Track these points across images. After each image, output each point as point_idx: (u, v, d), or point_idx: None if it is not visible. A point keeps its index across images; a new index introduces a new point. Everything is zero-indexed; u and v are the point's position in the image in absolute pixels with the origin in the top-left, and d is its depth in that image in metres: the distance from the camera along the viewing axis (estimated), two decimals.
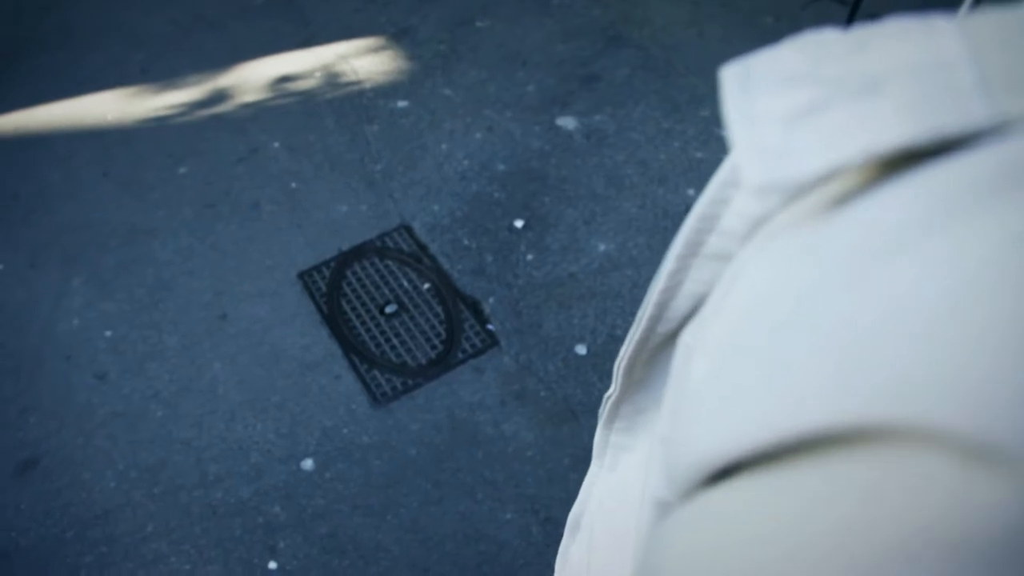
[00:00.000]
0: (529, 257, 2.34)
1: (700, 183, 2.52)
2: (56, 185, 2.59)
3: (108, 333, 2.22)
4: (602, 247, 2.36)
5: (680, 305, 0.38)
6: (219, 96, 2.86)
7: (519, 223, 2.42)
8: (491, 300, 2.25)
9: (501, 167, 2.58)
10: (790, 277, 0.25)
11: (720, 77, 0.28)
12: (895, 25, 0.27)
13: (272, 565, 1.82)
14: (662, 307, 0.39)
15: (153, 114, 2.80)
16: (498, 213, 2.45)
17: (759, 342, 0.25)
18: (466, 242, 2.38)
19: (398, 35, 3.07)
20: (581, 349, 2.13)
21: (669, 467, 0.32)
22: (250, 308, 2.25)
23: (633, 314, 2.20)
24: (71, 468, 1.98)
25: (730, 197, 0.33)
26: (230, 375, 2.12)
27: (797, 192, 0.25)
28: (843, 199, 0.25)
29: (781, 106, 0.26)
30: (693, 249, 0.35)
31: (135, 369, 2.14)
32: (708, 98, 2.80)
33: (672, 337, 0.41)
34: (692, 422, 0.29)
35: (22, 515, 1.91)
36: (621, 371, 0.47)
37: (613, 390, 0.50)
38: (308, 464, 1.96)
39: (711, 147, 2.64)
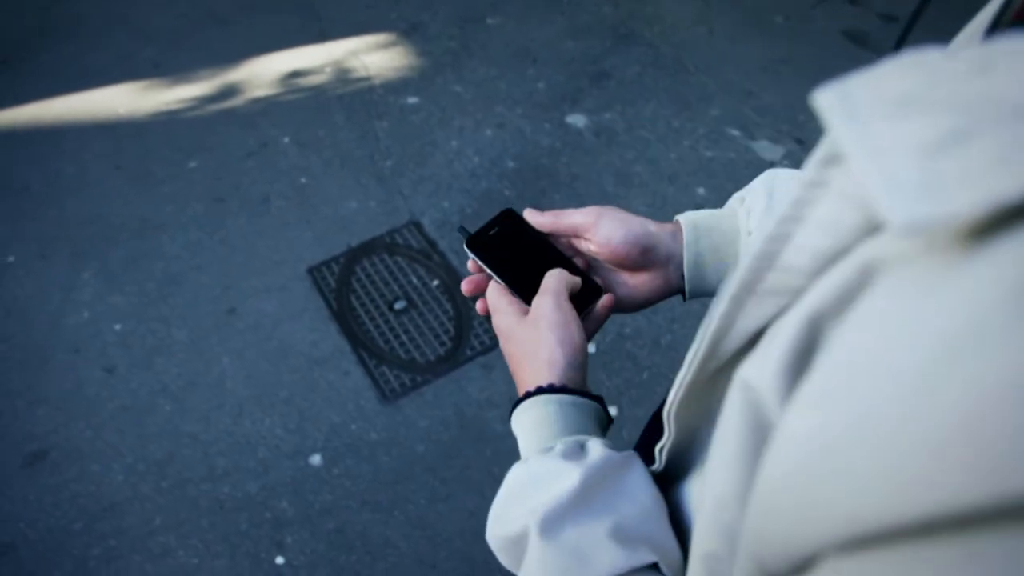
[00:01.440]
0: None
1: (710, 182, 2.52)
2: (67, 178, 2.59)
3: (117, 326, 2.22)
4: None
5: (732, 342, 0.37)
6: (229, 91, 2.86)
7: None
8: None
9: (511, 164, 2.58)
10: (917, 337, 0.23)
11: (815, 104, 0.26)
12: (1010, 45, 0.25)
13: (279, 560, 1.81)
14: (715, 345, 0.38)
15: (164, 108, 2.80)
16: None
17: (882, 412, 0.23)
18: None
19: (409, 31, 3.06)
20: (590, 347, 2.12)
21: (762, 541, 0.31)
22: (259, 303, 2.25)
23: (642, 312, 2.19)
24: (79, 461, 1.98)
25: (792, 232, 0.31)
26: (238, 370, 2.12)
27: (948, 230, 0.22)
28: (969, 237, 0.22)
29: (913, 134, 0.23)
30: (750, 287, 0.34)
31: (143, 363, 2.15)
32: (718, 96, 2.79)
33: (718, 373, 0.40)
34: (803, 494, 0.27)
35: (30, 507, 1.91)
36: (672, 416, 0.47)
37: (666, 438, 0.50)
38: (316, 459, 1.96)
39: (721, 146, 2.63)
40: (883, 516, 0.23)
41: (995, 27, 0.43)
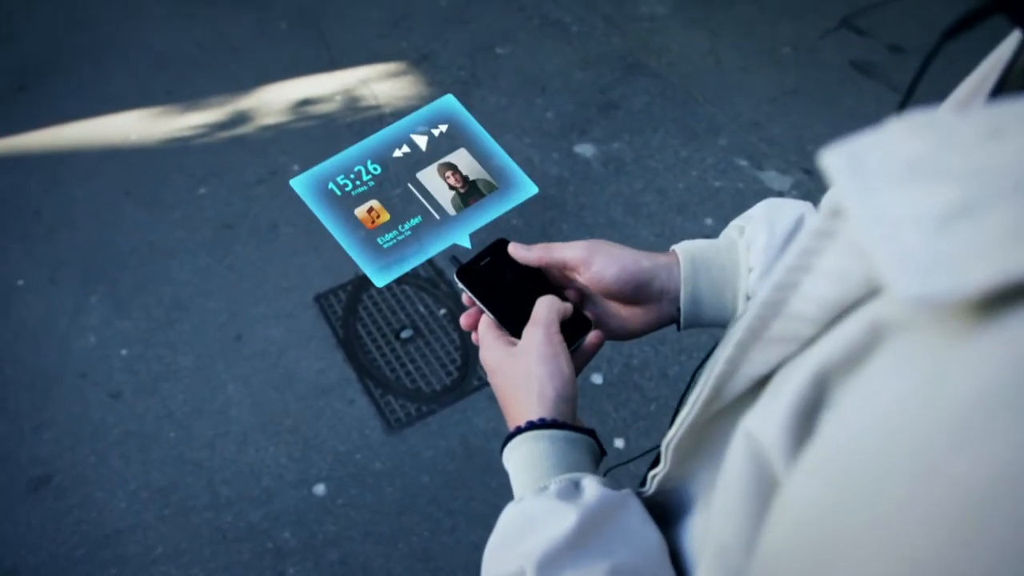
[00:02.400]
0: None
1: (718, 212, 2.52)
2: (79, 202, 2.61)
3: (124, 351, 2.22)
4: None
5: (736, 386, 0.37)
6: (241, 118, 2.89)
7: None
8: None
9: None
10: (924, 411, 0.22)
11: (822, 163, 0.25)
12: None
13: None
14: (718, 389, 0.38)
15: (176, 134, 2.83)
16: (515, 240, 2.44)
17: (886, 486, 0.22)
18: None
19: (419, 60, 3.09)
20: (597, 378, 2.11)
21: None
22: (265, 330, 2.26)
23: (649, 343, 2.18)
24: (83, 486, 1.97)
25: (799, 281, 0.31)
26: (244, 397, 2.12)
27: (959, 305, 0.21)
28: (977, 309, 0.22)
29: (920, 203, 0.23)
30: (756, 334, 0.34)
31: (149, 388, 2.15)
32: (726, 127, 2.80)
33: (720, 412, 0.41)
34: (805, 559, 0.27)
35: (33, 532, 1.91)
36: (671, 450, 0.47)
37: (661, 468, 0.50)
38: (320, 489, 1.95)
39: (729, 176, 2.63)
40: None
41: (1002, 86, 0.43)
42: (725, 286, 0.67)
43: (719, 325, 0.68)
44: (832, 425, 0.28)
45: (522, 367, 0.62)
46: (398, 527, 1.88)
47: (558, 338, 0.64)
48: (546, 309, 0.65)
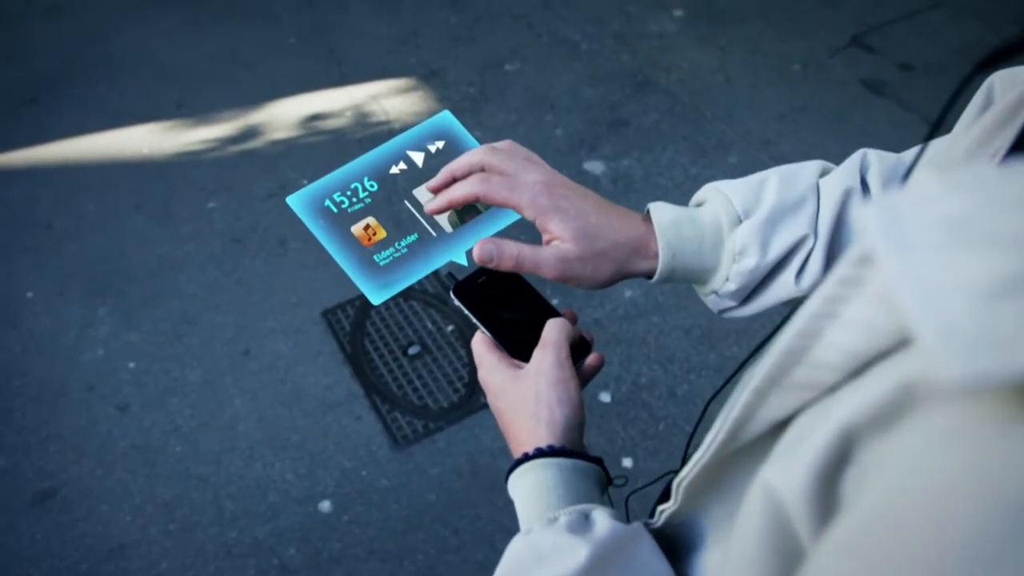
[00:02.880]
0: (554, 302, 2.32)
1: None
2: (89, 215, 2.62)
3: (131, 365, 2.22)
4: (628, 293, 2.34)
5: (754, 429, 0.37)
6: (251, 132, 2.90)
7: None
8: None
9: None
10: (973, 502, 0.21)
11: (857, 218, 0.24)
12: None
13: None
14: (735, 432, 0.38)
15: (187, 148, 2.84)
16: None
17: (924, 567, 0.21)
18: None
19: (428, 76, 3.10)
20: (605, 396, 2.10)
21: None
22: (273, 345, 2.25)
23: (658, 362, 2.17)
24: (88, 500, 1.97)
25: (824, 329, 0.30)
26: (251, 412, 2.11)
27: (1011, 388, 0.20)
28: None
29: (970, 274, 0.21)
30: (775, 380, 0.33)
31: (156, 402, 2.14)
32: (736, 144, 2.80)
33: (735, 452, 0.40)
34: None
35: (37, 545, 1.90)
36: (682, 488, 0.46)
37: (672, 504, 0.49)
38: (326, 506, 1.94)
39: None
40: None
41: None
42: (699, 278, 0.67)
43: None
44: (866, 497, 0.26)
45: (530, 391, 0.61)
46: (404, 545, 1.87)
47: (568, 362, 0.63)
48: (556, 332, 0.64)
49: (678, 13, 3.39)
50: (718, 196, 0.68)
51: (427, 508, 1.92)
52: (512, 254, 0.66)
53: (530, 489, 0.57)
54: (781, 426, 0.35)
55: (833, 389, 0.31)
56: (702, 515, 0.49)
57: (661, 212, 0.67)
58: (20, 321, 2.33)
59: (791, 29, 3.30)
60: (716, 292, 0.67)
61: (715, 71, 3.11)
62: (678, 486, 0.47)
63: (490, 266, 0.67)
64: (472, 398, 2.12)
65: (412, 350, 2.22)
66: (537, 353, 0.63)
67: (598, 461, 0.60)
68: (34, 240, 2.55)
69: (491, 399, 0.64)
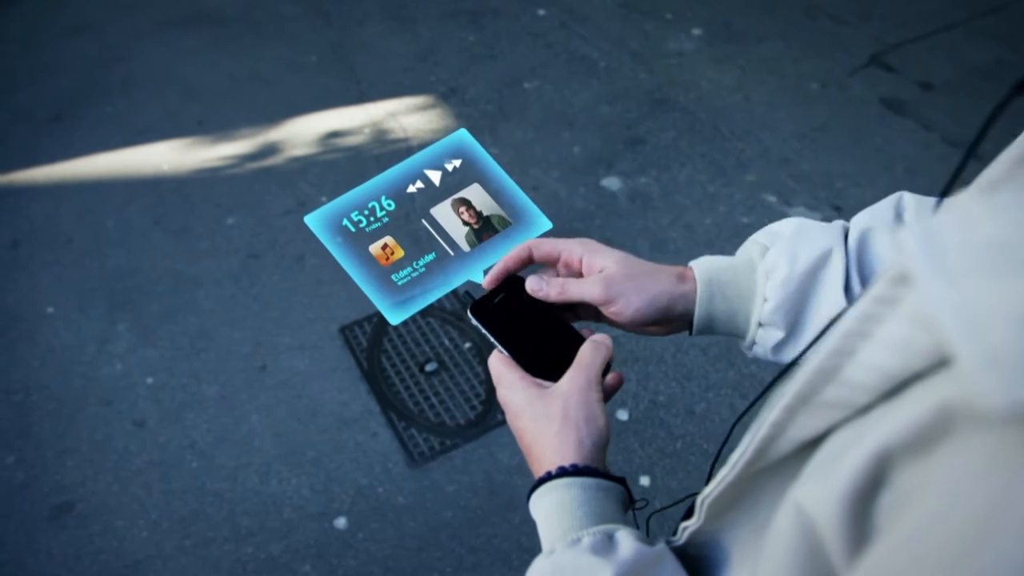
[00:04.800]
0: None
1: None
2: (109, 231, 2.64)
3: (149, 380, 2.23)
4: None
5: (781, 448, 0.36)
6: (270, 149, 2.92)
7: None
8: None
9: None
10: (1002, 534, 0.21)
11: (901, 241, 0.24)
12: None
13: None
14: (762, 452, 0.37)
15: (206, 165, 2.87)
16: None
17: None
18: None
19: (447, 94, 3.12)
20: (623, 414, 2.08)
21: None
22: (290, 360, 2.25)
23: (676, 380, 2.15)
24: (105, 515, 1.97)
25: (856, 348, 0.30)
26: (267, 428, 2.11)
27: None
28: None
29: (1013, 299, 0.21)
30: (805, 399, 0.33)
31: (173, 417, 2.14)
32: (754, 163, 2.79)
33: (762, 472, 0.40)
34: None
35: (53, 560, 1.89)
36: (706, 505, 0.46)
37: (695, 521, 0.48)
38: (341, 522, 1.92)
39: (757, 212, 2.61)
40: None
41: None
42: (738, 312, 0.66)
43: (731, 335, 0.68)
44: (903, 523, 0.26)
45: (557, 410, 0.60)
46: (419, 563, 1.85)
47: (599, 385, 0.62)
48: (592, 354, 0.64)
49: (696, 32, 3.40)
50: (747, 243, 0.71)
51: (443, 526, 1.91)
52: (558, 283, 0.67)
53: (553, 508, 0.56)
54: (809, 446, 0.35)
55: (865, 409, 0.30)
56: (726, 534, 0.48)
57: (698, 260, 0.70)
58: (40, 336, 2.34)
59: (809, 49, 3.30)
60: (760, 323, 0.65)
61: (733, 90, 3.11)
62: (702, 503, 0.47)
63: (539, 296, 0.68)
64: (489, 416, 2.10)
65: (429, 367, 2.21)
66: (570, 373, 0.63)
67: (621, 481, 0.59)
68: (55, 255, 2.57)
69: (511, 418, 0.63)
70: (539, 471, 0.59)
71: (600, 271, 0.66)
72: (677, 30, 3.41)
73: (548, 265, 0.71)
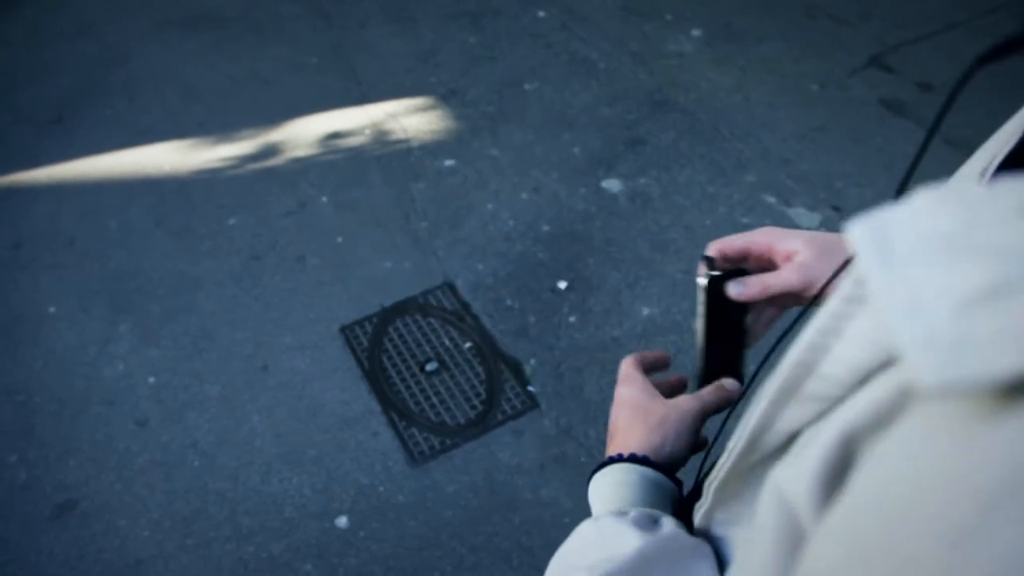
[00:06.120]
0: (572, 319, 2.32)
1: None
2: (111, 232, 2.65)
3: (151, 380, 2.24)
4: (646, 311, 2.33)
5: (772, 440, 0.38)
6: (271, 150, 2.93)
7: (562, 285, 2.41)
8: (532, 362, 2.23)
9: (546, 228, 2.59)
10: (953, 490, 0.22)
11: (848, 235, 0.25)
12: None
13: None
14: (754, 441, 0.39)
15: (208, 166, 2.88)
16: (542, 274, 2.45)
17: (910, 564, 0.22)
18: (509, 302, 2.37)
19: (447, 95, 3.13)
20: None
21: None
22: (291, 361, 2.26)
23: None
24: (107, 514, 1.97)
25: (831, 344, 0.31)
26: (268, 427, 2.12)
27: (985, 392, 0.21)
28: (1007, 392, 0.21)
29: (947, 284, 0.22)
30: (789, 392, 0.34)
31: (175, 417, 2.15)
32: (754, 163, 2.79)
33: (760, 461, 0.41)
34: None
35: (55, 560, 1.90)
36: (712, 490, 0.48)
37: (704, 503, 0.51)
38: (342, 521, 1.93)
39: (757, 212, 2.62)
40: None
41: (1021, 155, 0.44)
42: None
43: None
44: (854, 487, 0.27)
45: (658, 415, 0.65)
46: (420, 562, 1.86)
47: (702, 422, 0.67)
48: (714, 392, 0.68)
49: (696, 33, 3.40)
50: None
51: (444, 525, 1.91)
52: (756, 282, 0.67)
53: (609, 484, 0.61)
54: (796, 438, 0.37)
55: (842, 400, 0.32)
56: (735, 528, 0.50)
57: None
58: (42, 336, 2.35)
59: (809, 49, 3.31)
60: None
61: (733, 90, 3.12)
62: (708, 486, 0.49)
63: (743, 298, 0.68)
64: (489, 415, 2.11)
65: (430, 367, 2.22)
66: (689, 396, 0.67)
67: (678, 483, 0.64)
68: (57, 256, 2.58)
69: (617, 408, 0.68)
70: (613, 452, 0.64)
71: (790, 257, 0.66)
72: (677, 31, 3.42)
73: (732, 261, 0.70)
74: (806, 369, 0.33)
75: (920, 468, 0.23)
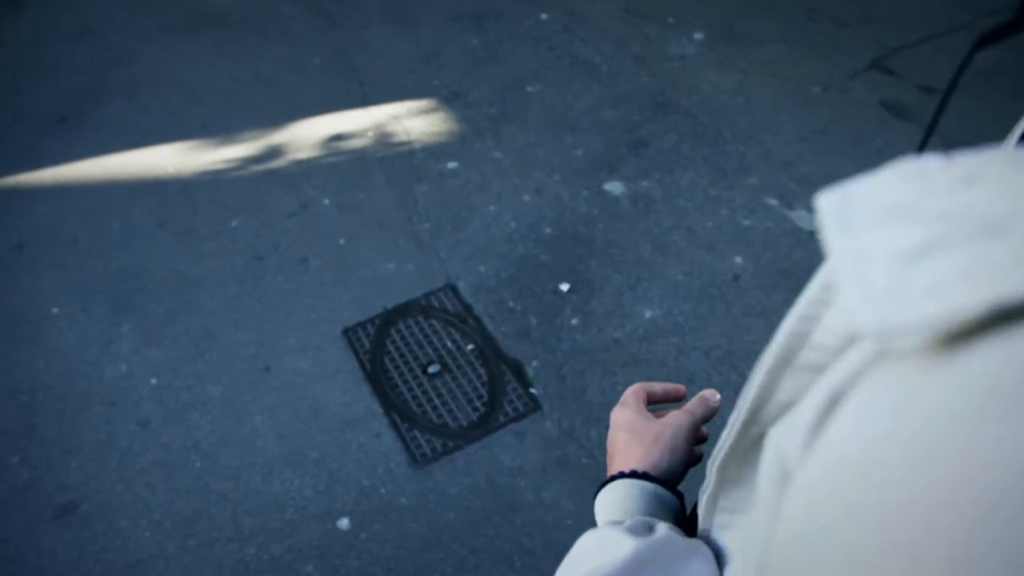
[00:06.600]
0: (574, 321, 2.32)
1: (748, 251, 2.50)
2: (114, 232, 2.65)
3: (153, 380, 2.24)
4: (648, 313, 2.33)
5: (772, 412, 0.39)
6: (274, 152, 2.93)
7: (565, 287, 2.41)
8: (534, 363, 2.23)
9: (548, 230, 2.59)
10: (897, 427, 0.24)
11: (817, 204, 0.27)
12: (1002, 157, 0.26)
13: None
14: (754, 414, 0.40)
15: (211, 167, 2.88)
16: (544, 276, 2.45)
17: (865, 493, 0.24)
18: (511, 304, 2.38)
19: (450, 97, 3.13)
20: None
21: None
22: (293, 362, 2.26)
23: (679, 381, 2.16)
24: (108, 515, 1.97)
25: (821, 314, 0.33)
26: (270, 428, 2.12)
27: (913, 337, 0.24)
28: (953, 340, 0.24)
29: (890, 244, 0.25)
30: (784, 363, 0.36)
31: (177, 418, 2.15)
32: (756, 166, 2.79)
33: (761, 437, 0.42)
34: (794, 564, 0.29)
35: (56, 560, 1.90)
36: (715, 469, 0.48)
37: (707, 485, 0.51)
38: (344, 523, 1.93)
39: (759, 215, 2.62)
40: None
41: None
42: None
43: None
44: (824, 440, 0.30)
45: (653, 433, 0.69)
46: (421, 564, 1.86)
47: (696, 432, 0.71)
48: (702, 407, 0.72)
49: (698, 35, 3.41)
50: None
51: (445, 527, 1.91)
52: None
53: (611, 499, 0.65)
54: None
55: (830, 370, 0.34)
56: (737, 519, 0.50)
57: None
58: (44, 336, 2.35)
59: (811, 52, 3.31)
60: None
61: (735, 93, 3.12)
62: (712, 465, 0.50)
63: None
64: (491, 418, 2.11)
65: (432, 369, 2.22)
66: (678, 412, 0.71)
67: (679, 495, 0.66)
68: (60, 257, 2.58)
69: (613, 431, 0.72)
70: (613, 472, 0.68)
71: None
72: (679, 34, 3.42)
73: None
74: (799, 340, 0.34)
75: (872, 415, 0.26)
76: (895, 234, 0.25)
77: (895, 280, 0.24)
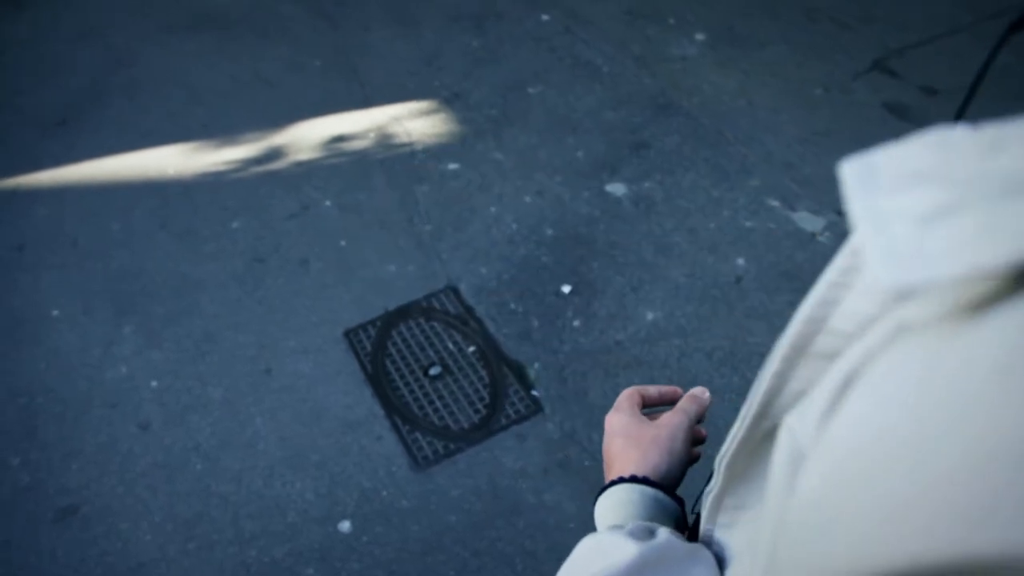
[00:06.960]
0: (576, 323, 2.32)
1: (750, 252, 2.49)
2: (114, 234, 2.65)
3: (154, 383, 2.23)
4: (650, 315, 2.33)
5: (784, 402, 0.38)
6: (275, 153, 2.93)
7: (566, 288, 2.41)
8: (536, 365, 2.22)
9: (549, 231, 2.58)
10: (920, 396, 0.24)
11: (840, 172, 0.28)
12: None
13: None
14: (767, 405, 0.39)
15: (211, 168, 2.87)
16: (545, 278, 2.44)
17: (886, 466, 0.24)
18: (513, 306, 2.37)
19: (451, 99, 3.13)
20: None
21: None
22: (294, 364, 2.26)
23: (680, 385, 2.15)
24: (109, 517, 1.97)
25: (841, 298, 0.33)
26: (271, 431, 2.11)
27: (931, 295, 0.24)
28: (975, 307, 0.24)
29: (912, 205, 0.25)
30: (800, 350, 0.35)
31: (178, 420, 2.15)
32: (758, 167, 2.79)
33: (772, 431, 0.41)
34: (807, 542, 0.29)
35: (57, 563, 1.90)
36: (724, 466, 0.47)
37: (714, 484, 0.50)
38: (345, 526, 1.93)
39: (761, 216, 2.62)
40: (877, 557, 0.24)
41: None
42: None
43: None
44: (843, 411, 0.30)
45: (650, 434, 0.68)
46: (423, 567, 1.85)
47: (690, 430, 0.70)
48: (688, 402, 0.71)
49: (700, 37, 3.40)
50: None
51: (447, 530, 1.91)
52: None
53: (610, 504, 0.64)
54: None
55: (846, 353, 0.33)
56: (742, 515, 0.49)
57: None
58: (45, 338, 2.35)
59: (812, 53, 3.31)
60: None
61: (737, 94, 3.12)
62: (719, 463, 0.49)
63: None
64: (493, 420, 2.11)
65: (433, 371, 2.22)
66: (671, 413, 0.70)
67: (679, 501, 0.66)
68: (60, 258, 2.58)
69: (608, 437, 0.71)
70: (612, 478, 0.67)
71: None
72: (680, 35, 3.42)
73: None
74: (816, 325, 0.34)
75: (897, 381, 0.26)
76: (918, 196, 0.25)
77: (916, 238, 0.24)
